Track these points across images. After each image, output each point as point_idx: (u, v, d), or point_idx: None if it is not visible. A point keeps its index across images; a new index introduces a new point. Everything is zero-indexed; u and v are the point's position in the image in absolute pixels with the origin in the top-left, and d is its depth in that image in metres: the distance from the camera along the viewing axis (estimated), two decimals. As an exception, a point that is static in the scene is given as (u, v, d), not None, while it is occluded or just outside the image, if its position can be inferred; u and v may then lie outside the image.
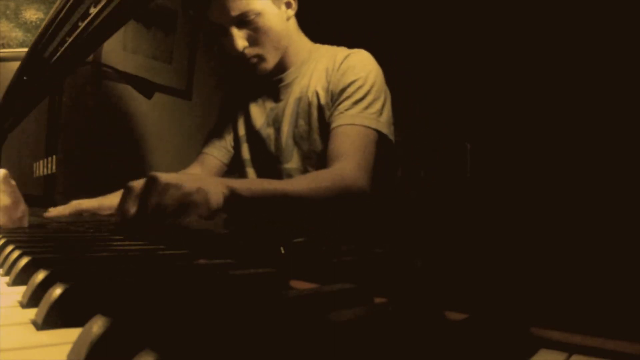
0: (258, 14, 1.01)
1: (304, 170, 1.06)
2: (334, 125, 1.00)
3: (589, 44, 0.75)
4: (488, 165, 0.97)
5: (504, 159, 0.94)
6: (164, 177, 0.73)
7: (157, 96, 1.67)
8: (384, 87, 1.04)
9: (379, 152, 1.01)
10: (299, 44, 1.12)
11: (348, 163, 0.94)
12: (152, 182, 0.71)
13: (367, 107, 1.00)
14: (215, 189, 0.76)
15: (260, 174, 1.13)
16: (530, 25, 0.88)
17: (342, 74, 1.04)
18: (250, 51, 1.04)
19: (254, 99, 1.16)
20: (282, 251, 0.59)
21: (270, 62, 1.07)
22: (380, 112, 1.01)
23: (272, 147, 1.11)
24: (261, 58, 1.05)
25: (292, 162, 1.07)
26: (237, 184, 0.82)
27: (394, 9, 1.20)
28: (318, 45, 1.15)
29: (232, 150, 1.19)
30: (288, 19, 1.07)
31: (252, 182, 0.90)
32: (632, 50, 0.68)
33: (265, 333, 0.21)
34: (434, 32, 1.12)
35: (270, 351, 0.20)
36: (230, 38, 1.02)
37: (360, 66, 1.03)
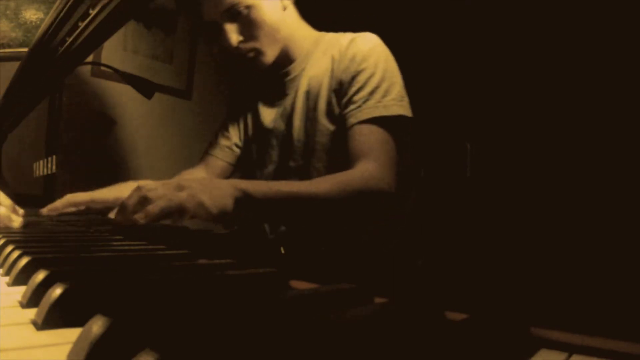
0: (249, 7, 0.96)
1: (310, 166, 1.01)
2: (352, 121, 0.94)
3: (588, 45, 0.75)
4: (488, 165, 0.97)
5: (504, 159, 0.94)
6: (150, 186, 0.74)
7: (157, 96, 1.67)
8: (397, 69, 0.98)
9: (405, 137, 0.96)
10: (301, 34, 1.06)
11: (371, 162, 0.89)
12: (136, 192, 0.73)
13: (384, 95, 0.93)
14: (220, 194, 0.74)
15: (268, 173, 1.09)
16: (530, 26, 0.88)
17: (350, 60, 0.97)
18: (246, 46, 0.98)
19: (262, 96, 1.11)
20: (282, 251, 0.59)
21: (269, 55, 1.01)
22: (402, 95, 0.95)
23: (282, 144, 1.06)
24: (258, 52, 1.00)
25: (303, 159, 1.03)
26: (251, 185, 0.79)
27: (394, 10, 1.20)
28: (323, 34, 1.09)
29: (237, 151, 1.14)
30: (285, 8, 1.02)
31: (267, 184, 0.83)
32: (631, 51, 0.68)
33: (265, 333, 0.21)
34: (434, 32, 1.11)
35: (270, 351, 0.20)
36: (224, 34, 0.97)
37: (368, 50, 0.97)
